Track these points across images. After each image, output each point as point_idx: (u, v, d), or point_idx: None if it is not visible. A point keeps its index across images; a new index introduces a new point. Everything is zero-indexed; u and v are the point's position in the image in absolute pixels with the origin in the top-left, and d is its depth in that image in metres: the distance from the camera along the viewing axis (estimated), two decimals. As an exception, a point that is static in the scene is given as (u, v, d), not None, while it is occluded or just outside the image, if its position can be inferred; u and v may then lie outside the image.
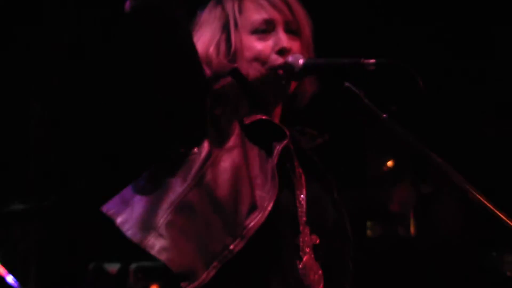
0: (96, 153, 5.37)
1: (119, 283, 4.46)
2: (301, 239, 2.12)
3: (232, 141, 2.07)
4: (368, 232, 5.97)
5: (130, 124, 4.27)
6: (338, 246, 2.22)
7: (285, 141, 2.13)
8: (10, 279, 3.73)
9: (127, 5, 1.86)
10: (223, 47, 2.15)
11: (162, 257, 1.95)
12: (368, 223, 5.91)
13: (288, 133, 2.15)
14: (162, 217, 1.98)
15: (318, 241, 2.14)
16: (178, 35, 1.95)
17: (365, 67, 1.99)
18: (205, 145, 2.04)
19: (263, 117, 2.14)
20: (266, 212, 2.00)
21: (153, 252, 1.95)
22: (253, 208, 2.01)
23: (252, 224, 1.98)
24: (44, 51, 5.64)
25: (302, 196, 2.16)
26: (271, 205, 2.01)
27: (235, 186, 2.02)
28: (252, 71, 2.14)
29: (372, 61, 1.98)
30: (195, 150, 2.04)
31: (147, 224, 1.99)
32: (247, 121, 2.11)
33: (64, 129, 5.58)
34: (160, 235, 1.97)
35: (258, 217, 1.99)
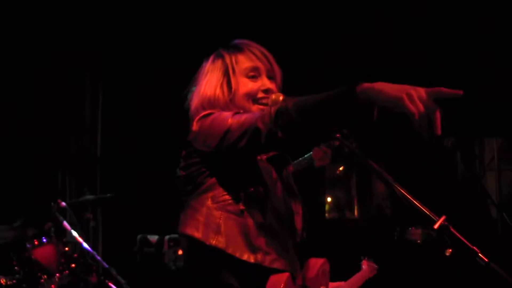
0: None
1: (157, 249, 4.44)
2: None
3: (271, 174, 2.05)
4: (326, 215, 5.98)
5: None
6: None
7: (291, 166, 2.18)
8: (86, 245, 3.74)
9: (280, 134, 1.76)
10: (225, 88, 2.10)
11: (275, 265, 1.93)
12: (327, 208, 5.92)
13: (290, 160, 2.19)
14: (259, 239, 1.92)
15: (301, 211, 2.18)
16: None
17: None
18: (260, 184, 2.00)
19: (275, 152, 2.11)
20: (300, 215, 2.12)
21: (266, 264, 1.91)
22: (294, 214, 2.10)
23: (299, 226, 2.10)
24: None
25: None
26: (300, 209, 2.13)
27: (285, 206, 2.06)
28: (245, 103, 2.11)
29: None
30: (255, 189, 1.98)
31: (251, 247, 1.91)
32: (266, 156, 2.08)
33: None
34: (266, 252, 1.93)
35: (299, 220, 2.10)
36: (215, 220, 1.93)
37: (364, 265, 3.23)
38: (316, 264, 2.20)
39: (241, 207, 1.95)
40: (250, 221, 1.94)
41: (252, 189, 1.97)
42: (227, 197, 1.96)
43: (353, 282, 2.99)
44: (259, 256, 1.91)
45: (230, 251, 1.90)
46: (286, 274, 1.94)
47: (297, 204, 2.13)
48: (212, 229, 1.92)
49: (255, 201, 1.97)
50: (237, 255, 1.90)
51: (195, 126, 2.01)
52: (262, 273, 1.91)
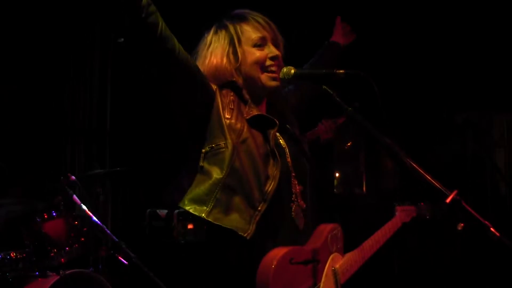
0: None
1: (166, 223, 4.45)
2: (293, 189, 2.11)
3: (245, 134, 2.04)
4: (335, 190, 5.97)
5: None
6: (310, 190, 2.20)
7: (276, 128, 2.12)
8: (95, 219, 3.73)
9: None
10: (232, 57, 2.12)
11: (219, 222, 1.95)
12: (335, 183, 5.92)
13: (277, 121, 2.13)
14: (211, 194, 1.97)
15: (300, 188, 2.13)
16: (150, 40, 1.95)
17: (337, 76, 1.96)
18: (229, 141, 2.01)
19: (258, 112, 2.11)
20: (277, 180, 2.03)
21: (210, 219, 1.96)
22: (267, 178, 2.02)
23: (269, 189, 2.01)
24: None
25: (288, 159, 2.13)
26: (278, 175, 2.04)
27: (254, 166, 2.02)
28: (253, 72, 2.12)
29: (342, 71, 1.95)
30: (222, 144, 2.01)
31: (201, 201, 1.98)
32: (248, 116, 2.08)
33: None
34: (214, 207, 1.97)
35: (272, 184, 2.02)
36: (181, 179, 2.06)
37: (398, 211, 3.08)
38: (324, 230, 2.18)
39: (201, 163, 2.01)
40: (205, 178, 1.99)
41: (213, 145, 2.01)
42: (193, 154, 2.04)
43: (383, 232, 2.82)
44: (206, 210, 1.95)
45: (188, 208, 1.99)
46: (282, 252, 1.93)
47: (276, 168, 2.07)
48: (180, 188, 2.05)
49: (214, 158, 2.00)
50: (191, 211, 1.96)
51: None
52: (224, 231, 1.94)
